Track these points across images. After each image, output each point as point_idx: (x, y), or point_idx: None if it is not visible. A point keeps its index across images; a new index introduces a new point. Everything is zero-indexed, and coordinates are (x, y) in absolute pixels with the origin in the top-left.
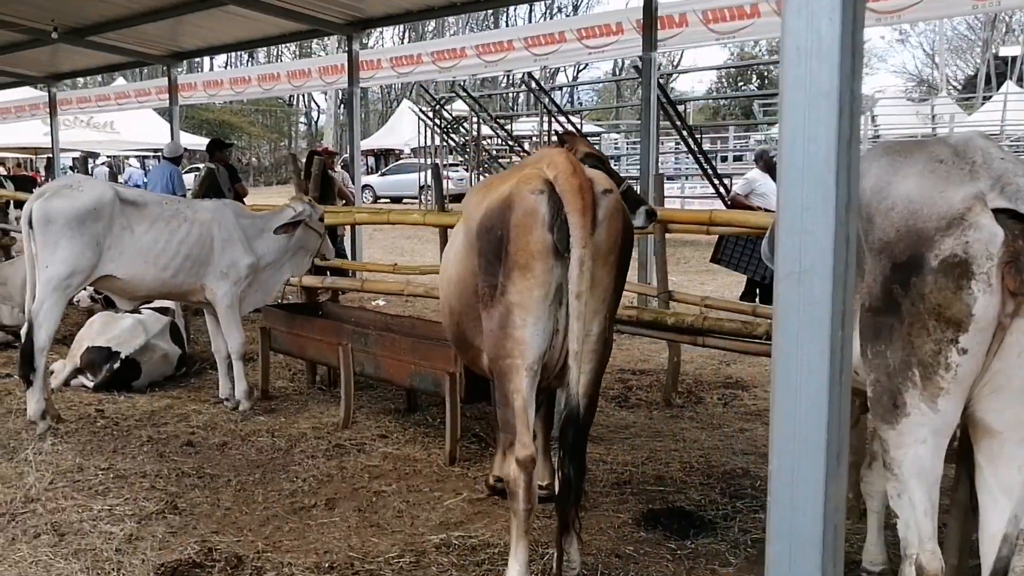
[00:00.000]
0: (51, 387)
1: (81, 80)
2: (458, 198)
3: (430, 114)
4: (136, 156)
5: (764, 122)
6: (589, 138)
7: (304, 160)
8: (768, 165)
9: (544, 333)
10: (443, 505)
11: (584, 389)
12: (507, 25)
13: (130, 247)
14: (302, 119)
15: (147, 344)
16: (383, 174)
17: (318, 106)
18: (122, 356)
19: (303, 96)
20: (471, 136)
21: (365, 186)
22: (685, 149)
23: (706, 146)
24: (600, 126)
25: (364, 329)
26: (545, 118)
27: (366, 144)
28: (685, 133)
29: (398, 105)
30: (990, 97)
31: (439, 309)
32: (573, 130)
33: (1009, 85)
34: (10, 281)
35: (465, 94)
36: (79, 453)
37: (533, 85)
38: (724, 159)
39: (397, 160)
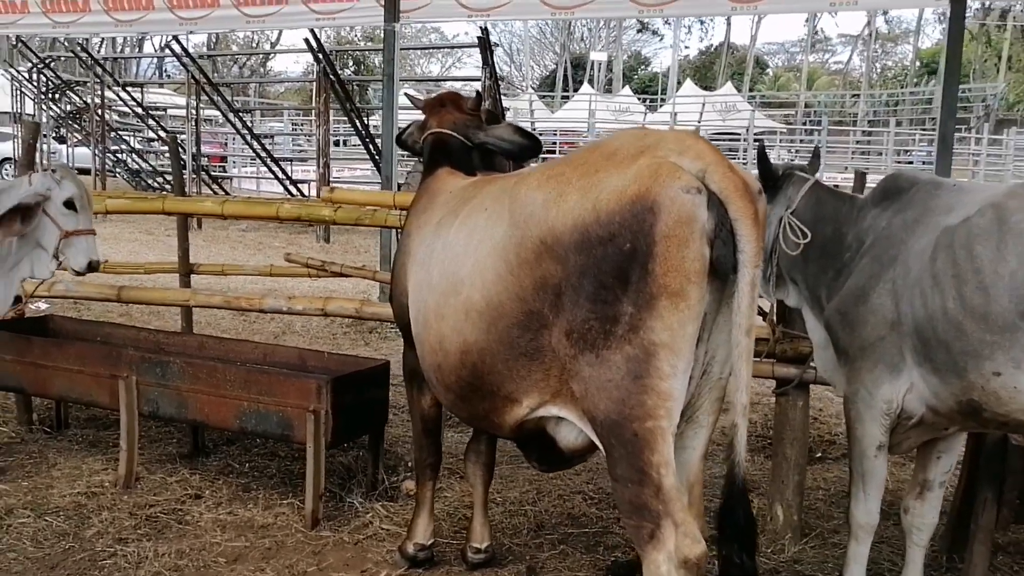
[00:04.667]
0: None
1: None
2: None
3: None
4: None
5: (375, 108)
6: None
7: None
8: None
9: (687, 383)
10: None
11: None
12: None
13: None
14: None
15: None
16: None
17: None
18: None
19: None
20: (94, 105)
21: None
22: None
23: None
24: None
25: (157, 356)
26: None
27: None
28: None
29: None
30: (568, 97)
31: (426, 340)
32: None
33: (587, 87)
34: None
35: (87, 55)
36: None
37: (178, 49)
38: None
39: None
